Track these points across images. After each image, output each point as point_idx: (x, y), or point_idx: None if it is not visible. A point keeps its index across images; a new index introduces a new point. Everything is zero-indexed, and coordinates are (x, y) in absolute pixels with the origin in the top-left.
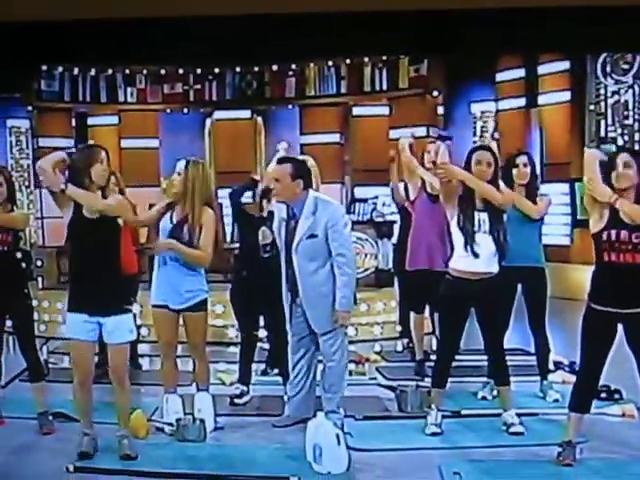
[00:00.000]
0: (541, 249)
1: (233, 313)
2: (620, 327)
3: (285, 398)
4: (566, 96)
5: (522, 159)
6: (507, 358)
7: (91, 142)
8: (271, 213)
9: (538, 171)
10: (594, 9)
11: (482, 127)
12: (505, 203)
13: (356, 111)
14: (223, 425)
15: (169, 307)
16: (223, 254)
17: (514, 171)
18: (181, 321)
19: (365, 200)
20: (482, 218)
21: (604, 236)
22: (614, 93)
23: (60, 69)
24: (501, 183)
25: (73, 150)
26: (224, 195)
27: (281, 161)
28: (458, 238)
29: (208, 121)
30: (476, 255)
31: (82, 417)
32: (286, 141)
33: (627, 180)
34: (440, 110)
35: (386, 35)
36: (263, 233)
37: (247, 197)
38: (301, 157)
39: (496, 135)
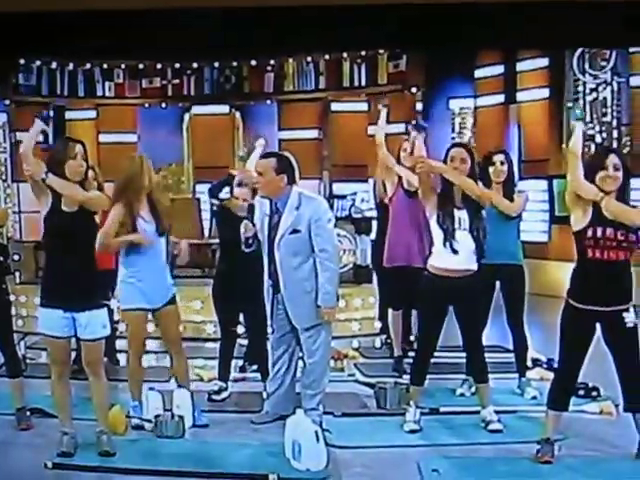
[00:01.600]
0: (519, 246)
1: (214, 308)
2: (598, 325)
3: (264, 395)
4: (544, 93)
5: (499, 157)
6: (485, 355)
7: (67, 136)
8: (251, 206)
9: (516, 168)
10: (573, 4)
11: (460, 123)
12: (483, 197)
13: (335, 107)
14: (208, 422)
15: (146, 307)
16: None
17: (491, 169)
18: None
19: (344, 196)
20: (461, 216)
21: (589, 233)
22: (592, 90)
23: (38, 63)
24: (479, 183)
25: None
26: (202, 190)
27: (266, 155)
28: (438, 235)
29: (186, 116)
30: (455, 252)
31: (60, 413)
32: (264, 137)
33: (616, 182)
34: (419, 106)
35: (365, 30)
36: (245, 226)
37: (226, 192)
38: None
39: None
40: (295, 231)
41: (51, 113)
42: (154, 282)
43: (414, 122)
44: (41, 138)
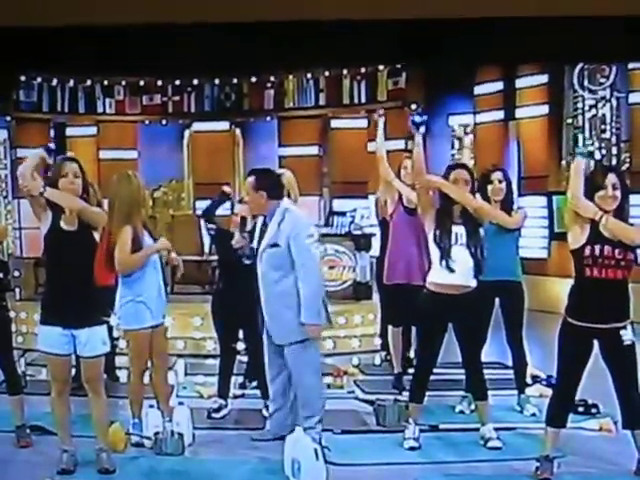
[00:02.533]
0: (518, 263)
1: (213, 325)
2: (596, 342)
3: (265, 412)
4: (544, 109)
5: (497, 175)
6: (485, 372)
7: (68, 154)
8: (243, 219)
9: (515, 184)
10: (572, 20)
11: (459, 139)
12: (480, 210)
13: (335, 123)
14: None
15: (152, 325)
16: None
17: (489, 187)
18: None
19: (344, 213)
20: (459, 232)
21: (586, 251)
22: (592, 107)
23: (39, 80)
24: (478, 196)
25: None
26: (203, 206)
27: (248, 174)
28: (435, 252)
29: (187, 132)
30: (451, 270)
31: (60, 431)
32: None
33: (615, 201)
34: None
35: (365, 46)
36: (236, 239)
37: (226, 209)
38: (279, 170)
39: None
40: (274, 245)
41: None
42: (157, 299)
43: (411, 118)
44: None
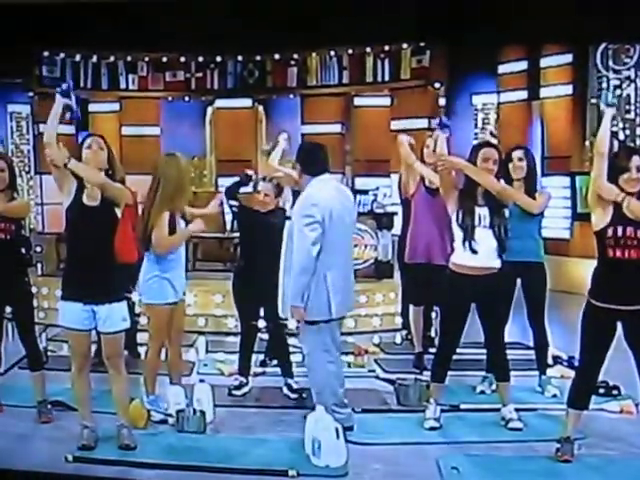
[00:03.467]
0: (541, 244)
1: (234, 302)
2: (619, 324)
3: (287, 392)
4: (568, 89)
5: (517, 154)
6: (506, 352)
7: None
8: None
9: (539, 164)
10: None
11: (483, 119)
12: (503, 193)
13: (357, 101)
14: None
15: (175, 301)
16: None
17: (510, 165)
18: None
19: (366, 192)
20: (482, 213)
21: (609, 232)
22: (616, 87)
23: (61, 55)
24: (501, 180)
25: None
26: (225, 183)
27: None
28: (458, 234)
29: (209, 109)
30: (474, 251)
31: (81, 407)
32: (286, 131)
33: (639, 184)
34: (442, 102)
35: (389, 24)
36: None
37: (245, 188)
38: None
39: (494, 131)
40: (289, 218)
41: (72, 84)
42: (180, 275)
43: (438, 120)
44: (67, 117)
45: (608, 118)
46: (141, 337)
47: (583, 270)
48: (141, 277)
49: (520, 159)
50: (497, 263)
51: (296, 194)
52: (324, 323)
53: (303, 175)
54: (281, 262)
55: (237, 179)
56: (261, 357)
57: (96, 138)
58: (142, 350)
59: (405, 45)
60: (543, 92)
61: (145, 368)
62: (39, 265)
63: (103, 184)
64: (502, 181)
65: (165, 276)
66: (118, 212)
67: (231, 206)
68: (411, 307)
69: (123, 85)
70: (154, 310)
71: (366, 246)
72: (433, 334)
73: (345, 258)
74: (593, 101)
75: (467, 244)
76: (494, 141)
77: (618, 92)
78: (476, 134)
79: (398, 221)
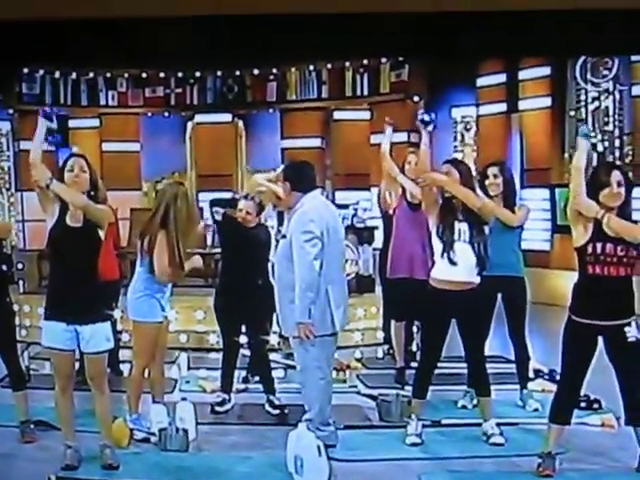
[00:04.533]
0: (521, 258)
1: (215, 319)
2: (600, 339)
3: (269, 408)
4: (547, 102)
5: (492, 170)
6: (487, 365)
7: (74, 149)
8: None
9: (518, 177)
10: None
11: (462, 132)
12: (483, 209)
13: (337, 115)
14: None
15: (162, 320)
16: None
17: (486, 182)
18: None
19: (346, 206)
20: (462, 228)
21: (589, 249)
22: (594, 99)
23: (41, 72)
24: (480, 193)
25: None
26: (205, 199)
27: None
28: (437, 247)
29: (189, 125)
30: (453, 263)
31: (64, 426)
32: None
33: (619, 198)
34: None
35: (368, 39)
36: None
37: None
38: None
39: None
40: (284, 236)
41: (55, 109)
42: (167, 295)
43: (420, 117)
44: (45, 144)
45: (583, 150)
46: (123, 354)
47: (563, 282)
48: (130, 294)
49: (495, 176)
50: (476, 279)
51: (280, 215)
52: (328, 337)
53: (293, 193)
54: (275, 283)
55: (226, 198)
56: (243, 373)
57: (78, 159)
58: (124, 368)
59: (384, 59)
60: (522, 104)
61: (129, 386)
62: (21, 282)
63: (85, 206)
64: (481, 194)
65: (155, 295)
66: (101, 233)
67: (214, 212)
68: (392, 322)
69: (103, 101)
70: (142, 328)
71: (347, 261)
72: (415, 348)
73: (341, 271)
74: (572, 113)
75: (446, 255)
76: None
77: (591, 105)
78: (455, 147)
79: (379, 235)
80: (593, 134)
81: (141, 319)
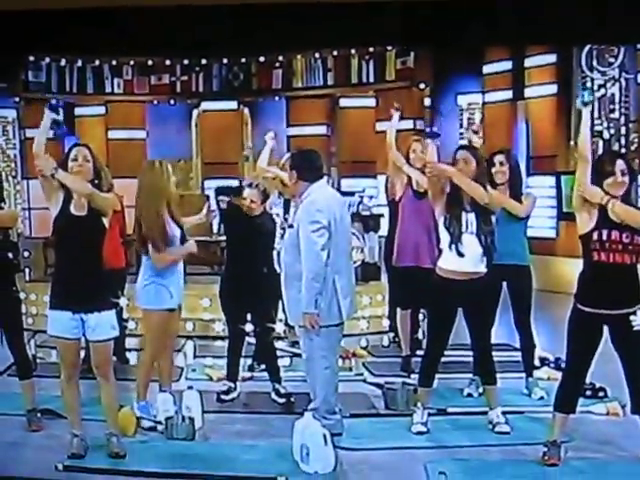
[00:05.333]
0: (526, 247)
1: (221, 307)
2: (606, 328)
3: (275, 397)
4: (552, 89)
5: (498, 158)
6: (493, 354)
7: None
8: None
9: (524, 165)
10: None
11: (469, 119)
12: (491, 203)
13: (343, 103)
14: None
15: (172, 308)
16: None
17: (492, 170)
18: None
19: (352, 193)
20: (469, 219)
21: (594, 236)
22: (600, 86)
23: (47, 60)
24: (488, 186)
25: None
26: (211, 186)
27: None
28: (445, 237)
29: (195, 112)
30: (461, 255)
31: (70, 414)
32: (273, 130)
33: (623, 187)
34: (427, 102)
35: (373, 26)
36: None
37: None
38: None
39: (475, 127)
40: (291, 226)
41: (61, 102)
42: (177, 282)
43: (427, 130)
44: (51, 134)
45: (586, 117)
46: (129, 343)
47: (569, 269)
48: (138, 282)
49: (501, 163)
50: (483, 268)
51: (287, 202)
52: (334, 327)
53: (299, 182)
54: (282, 272)
55: (233, 186)
56: (249, 362)
57: (81, 149)
58: (130, 356)
59: (389, 47)
60: (528, 92)
61: (138, 373)
62: (27, 270)
63: (90, 195)
64: (489, 188)
65: (162, 282)
66: (105, 221)
67: (220, 201)
68: (398, 310)
69: (109, 89)
70: (150, 316)
71: (353, 248)
72: (421, 336)
73: (348, 261)
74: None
75: (454, 247)
76: (476, 139)
77: (597, 93)
78: (461, 134)
79: (385, 223)
80: (598, 121)
81: (148, 306)
